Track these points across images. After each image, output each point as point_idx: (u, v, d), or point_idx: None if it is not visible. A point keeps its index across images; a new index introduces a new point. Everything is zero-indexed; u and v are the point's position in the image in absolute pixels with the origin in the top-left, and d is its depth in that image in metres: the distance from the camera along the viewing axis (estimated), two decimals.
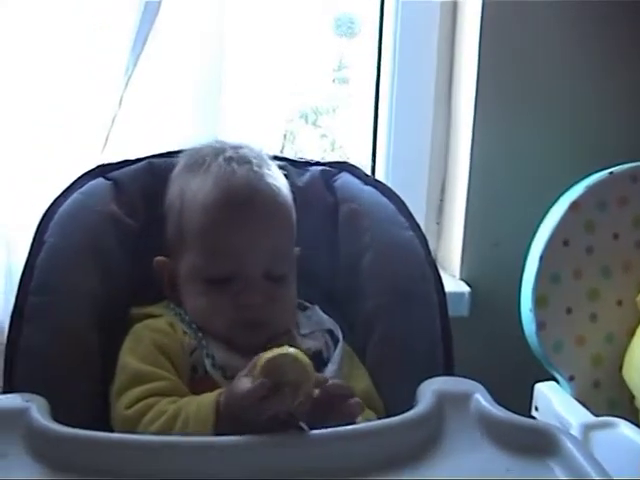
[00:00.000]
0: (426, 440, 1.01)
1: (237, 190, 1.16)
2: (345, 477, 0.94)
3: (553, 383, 1.58)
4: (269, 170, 1.20)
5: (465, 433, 1.02)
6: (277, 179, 1.21)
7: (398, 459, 0.97)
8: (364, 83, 1.91)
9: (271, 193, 1.18)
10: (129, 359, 1.13)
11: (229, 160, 1.18)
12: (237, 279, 1.15)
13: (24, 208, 1.51)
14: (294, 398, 0.98)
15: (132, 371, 1.11)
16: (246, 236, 1.15)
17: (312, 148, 2.01)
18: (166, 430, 1.02)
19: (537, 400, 1.58)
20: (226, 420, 1.00)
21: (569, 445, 0.98)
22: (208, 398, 1.04)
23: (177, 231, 1.20)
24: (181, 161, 1.25)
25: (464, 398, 1.07)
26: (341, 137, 2.05)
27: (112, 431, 1.06)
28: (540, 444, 0.99)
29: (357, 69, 1.99)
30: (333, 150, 2.04)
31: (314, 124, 2.01)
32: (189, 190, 1.19)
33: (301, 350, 1.04)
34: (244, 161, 1.18)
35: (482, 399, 1.07)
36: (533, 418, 1.50)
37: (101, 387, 1.14)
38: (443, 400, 1.06)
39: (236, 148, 1.21)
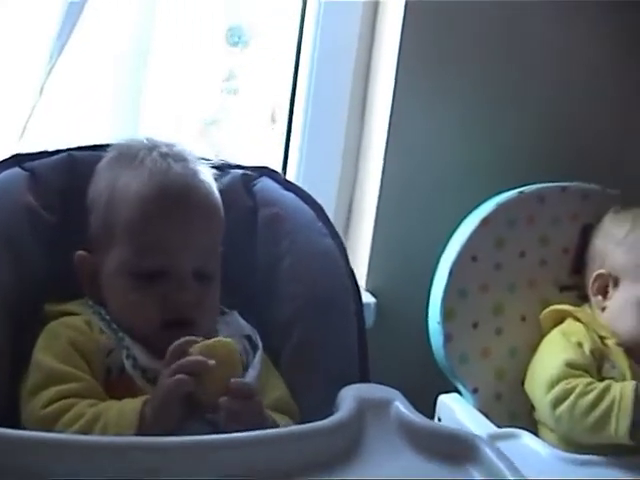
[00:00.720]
0: (347, 446, 1.01)
1: (173, 185, 1.15)
2: None
3: (456, 395, 1.60)
4: (202, 168, 1.20)
5: (385, 440, 1.03)
6: (209, 179, 1.21)
7: (318, 464, 0.97)
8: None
9: (206, 191, 1.18)
10: (43, 357, 1.09)
11: (165, 156, 1.16)
12: (167, 276, 1.13)
13: None
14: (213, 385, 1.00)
15: (47, 370, 1.07)
16: (180, 232, 1.14)
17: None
18: (84, 433, 0.99)
19: (440, 411, 1.60)
20: (149, 425, 0.99)
21: (488, 451, 1.00)
22: (130, 405, 1.02)
23: (103, 224, 1.16)
24: (109, 154, 1.22)
25: (384, 405, 1.08)
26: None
27: None
28: (460, 451, 1.01)
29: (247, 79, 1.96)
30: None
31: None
32: (120, 183, 1.16)
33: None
34: (180, 158, 1.17)
35: (402, 406, 1.07)
36: None
37: (9, 386, 1.09)
38: (363, 407, 1.06)
39: (169, 145, 1.19)
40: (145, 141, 1.20)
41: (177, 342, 1.04)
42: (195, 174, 1.18)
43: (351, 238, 1.85)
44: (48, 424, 1.01)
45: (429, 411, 1.59)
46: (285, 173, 1.84)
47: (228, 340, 1.06)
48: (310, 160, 1.81)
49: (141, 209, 1.13)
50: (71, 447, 0.91)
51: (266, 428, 1.03)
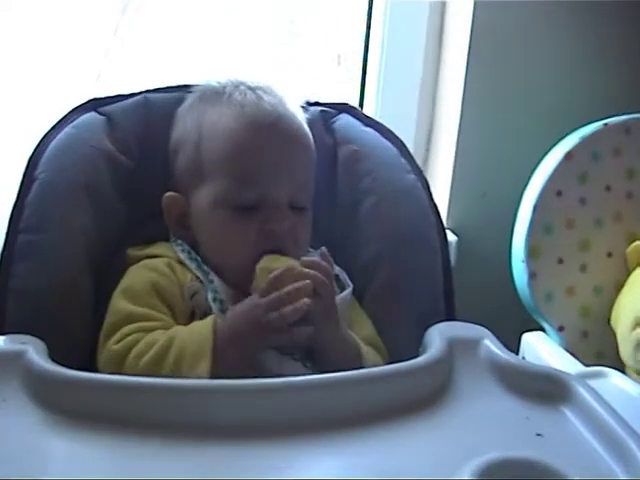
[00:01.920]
0: (438, 386, 0.98)
1: (266, 115, 1.13)
2: (355, 424, 0.91)
3: (541, 333, 1.57)
4: (292, 101, 1.19)
5: (477, 379, 1.00)
6: (300, 111, 1.20)
7: (411, 405, 0.95)
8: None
9: (298, 122, 1.17)
10: (121, 300, 1.09)
11: (253, 89, 1.15)
12: (263, 206, 1.12)
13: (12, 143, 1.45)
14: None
15: (124, 312, 1.07)
16: (275, 162, 1.13)
17: None
18: (158, 361, 0.99)
19: (525, 350, 1.57)
20: (224, 343, 0.99)
21: (582, 391, 0.96)
22: (202, 323, 1.03)
23: (194, 163, 1.15)
24: (193, 95, 1.21)
25: (474, 343, 1.05)
26: None
27: None
28: (553, 390, 0.98)
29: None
30: None
31: None
32: (208, 119, 1.15)
33: None
34: (269, 91, 1.16)
35: (492, 345, 1.05)
36: None
37: (93, 329, 1.09)
38: (453, 345, 1.04)
39: (256, 81, 1.18)
40: (230, 79, 1.19)
41: (279, 270, 1.03)
42: (286, 105, 1.16)
43: (430, 175, 1.81)
44: (119, 358, 1.02)
45: (513, 350, 1.56)
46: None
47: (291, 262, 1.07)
48: (387, 97, 1.77)
49: (235, 141, 1.12)
50: (146, 389, 0.91)
51: (349, 351, 1.06)
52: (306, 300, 1.00)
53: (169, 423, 0.88)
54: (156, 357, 1.00)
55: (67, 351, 1.02)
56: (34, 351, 0.95)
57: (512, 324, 1.53)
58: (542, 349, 1.54)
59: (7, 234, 1.10)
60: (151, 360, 1.00)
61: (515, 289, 1.57)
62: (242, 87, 1.16)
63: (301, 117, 1.19)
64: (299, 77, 1.88)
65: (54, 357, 0.97)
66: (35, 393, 0.91)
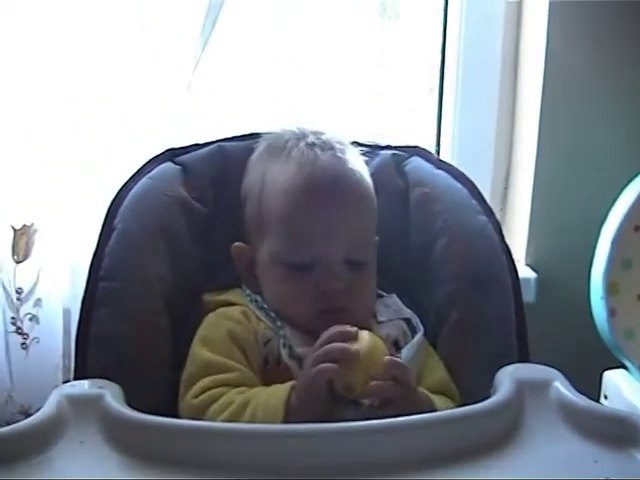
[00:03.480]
0: (506, 428, 0.98)
1: (320, 175, 1.14)
2: (423, 467, 0.92)
3: (623, 371, 1.54)
4: (352, 156, 1.18)
5: (546, 422, 1.00)
6: (359, 165, 1.19)
7: (478, 448, 0.95)
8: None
9: (354, 179, 1.16)
10: (201, 349, 1.12)
11: (311, 145, 1.16)
12: (318, 265, 1.13)
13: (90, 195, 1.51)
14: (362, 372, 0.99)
15: (202, 361, 1.10)
16: (328, 222, 1.13)
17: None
18: (233, 420, 1.01)
19: (606, 388, 1.55)
20: (296, 412, 0.99)
21: None
22: (279, 389, 1.03)
23: (257, 216, 1.18)
24: (261, 146, 1.23)
25: (544, 386, 1.05)
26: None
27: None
28: (624, 434, 0.96)
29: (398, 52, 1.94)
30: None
31: None
32: (270, 174, 1.17)
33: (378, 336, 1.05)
34: (327, 147, 1.16)
35: (562, 387, 1.04)
36: None
37: (171, 373, 1.13)
38: (522, 388, 1.03)
39: (317, 134, 1.18)
40: (294, 130, 1.20)
41: (328, 331, 1.04)
42: (343, 162, 1.16)
43: (509, 212, 1.81)
44: (198, 413, 1.04)
45: (595, 388, 1.54)
46: (439, 149, 1.83)
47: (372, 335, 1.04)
48: (464, 135, 1.79)
49: (289, 201, 1.13)
50: (222, 435, 0.93)
51: (421, 410, 1.02)
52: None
53: (245, 467, 0.90)
54: (233, 416, 1.02)
55: (144, 395, 1.05)
56: (111, 395, 0.99)
57: (593, 361, 1.52)
58: (624, 387, 1.51)
59: (87, 282, 1.14)
60: (228, 418, 1.02)
61: (595, 326, 1.55)
62: (302, 143, 1.16)
63: (361, 171, 1.18)
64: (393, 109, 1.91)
65: (131, 401, 1.00)
66: (112, 436, 0.94)
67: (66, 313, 1.53)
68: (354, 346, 1.00)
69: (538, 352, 1.20)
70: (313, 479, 0.89)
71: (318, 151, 1.15)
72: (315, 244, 1.13)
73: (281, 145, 1.18)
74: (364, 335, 1.03)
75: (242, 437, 0.94)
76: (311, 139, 1.17)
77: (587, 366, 1.53)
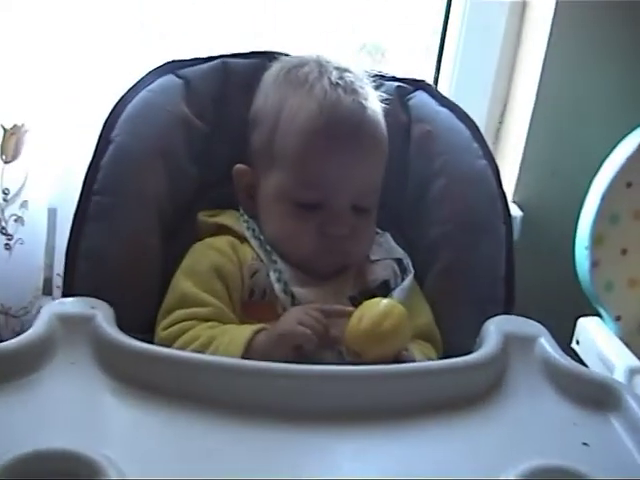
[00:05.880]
0: (490, 384, 1.00)
1: (341, 121, 1.11)
2: (404, 416, 0.93)
3: (597, 319, 1.56)
4: (372, 103, 1.16)
5: (529, 380, 1.01)
6: (379, 115, 1.17)
7: (462, 401, 0.96)
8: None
9: (373, 127, 1.15)
10: (181, 280, 1.11)
11: (335, 86, 1.13)
12: (325, 207, 1.12)
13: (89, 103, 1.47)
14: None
15: (180, 293, 1.10)
16: (343, 167, 1.12)
17: None
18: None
19: (579, 334, 1.56)
20: (254, 355, 1.00)
21: (632, 403, 0.96)
22: (243, 332, 1.03)
23: (267, 145, 1.15)
24: (277, 69, 1.19)
25: (529, 341, 1.06)
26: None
27: None
28: (604, 399, 0.98)
29: None
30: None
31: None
32: (288, 107, 1.13)
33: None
34: (350, 90, 1.13)
35: (547, 345, 1.05)
36: (573, 351, 1.50)
37: (161, 293, 1.13)
38: (508, 342, 1.04)
39: (340, 70, 1.15)
40: (316, 60, 1.17)
41: (332, 305, 1.06)
42: (364, 109, 1.13)
43: (501, 148, 1.80)
44: (166, 344, 1.04)
45: (567, 332, 1.56)
46: (438, 76, 1.81)
47: (400, 308, 1.04)
48: (464, 69, 1.77)
49: (307, 142, 1.11)
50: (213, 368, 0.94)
51: None
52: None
53: (228, 401, 0.91)
54: (196, 351, 1.02)
55: (133, 316, 1.06)
56: (102, 316, 0.99)
57: (567, 307, 1.54)
58: (597, 335, 1.52)
59: (81, 194, 1.12)
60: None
61: (576, 273, 1.56)
62: (325, 80, 1.13)
63: (379, 118, 1.16)
64: None
65: (120, 322, 1.00)
66: (102, 359, 0.94)
67: (51, 213, 1.50)
68: (385, 322, 1.01)
69: (518, 288, 1.21)
70: (292, 420, 0.90)
71: (341, 93, 1.12)
72: (326, 187, 1.12)
73: (302, 76, 1.14)
74: (394, 312, 1.03)
75: (234, 372, 0.94)
76: (335, 77, 1.13)
77: (561, 310, 1.55)
